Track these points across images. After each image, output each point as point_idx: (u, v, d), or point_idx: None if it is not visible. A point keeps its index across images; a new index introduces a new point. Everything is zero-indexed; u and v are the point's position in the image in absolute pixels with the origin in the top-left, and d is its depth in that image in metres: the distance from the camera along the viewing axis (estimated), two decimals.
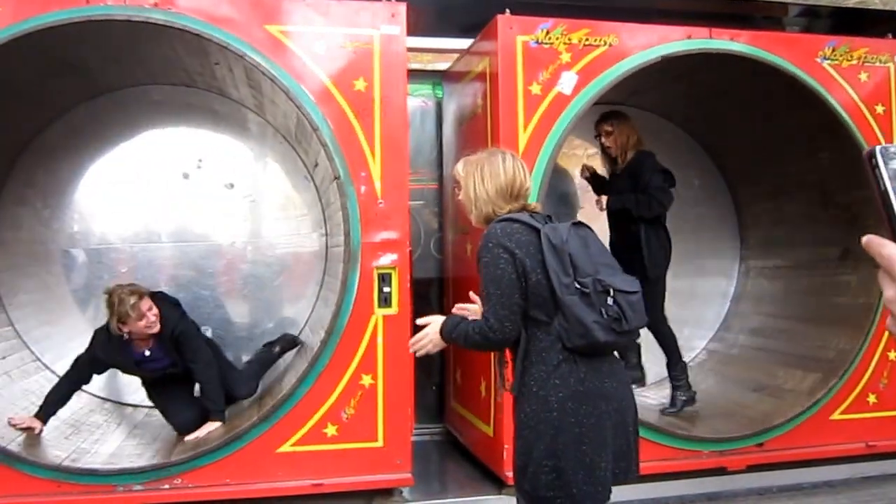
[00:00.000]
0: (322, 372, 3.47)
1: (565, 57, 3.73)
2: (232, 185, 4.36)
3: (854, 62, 3.96)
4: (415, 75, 4.31)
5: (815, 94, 3.87)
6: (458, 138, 4.52)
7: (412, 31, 3.67)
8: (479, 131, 3.97)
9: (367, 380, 3.51)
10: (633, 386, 4.04)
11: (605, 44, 3.77)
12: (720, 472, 3.83)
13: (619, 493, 3.66)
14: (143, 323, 3.52)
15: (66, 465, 3.29)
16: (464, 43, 4.33)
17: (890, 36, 4.09)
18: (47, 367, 4.09)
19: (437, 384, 4.81)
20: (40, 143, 4.15)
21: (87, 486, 3.31)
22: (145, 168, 4.26)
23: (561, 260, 2.01)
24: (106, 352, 3.61)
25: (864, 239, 0.82)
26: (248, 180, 4.40)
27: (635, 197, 3.94)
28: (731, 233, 5.03)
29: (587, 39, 3.76)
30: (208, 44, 3.40)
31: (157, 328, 3.59)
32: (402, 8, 3.58)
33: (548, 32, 3.73)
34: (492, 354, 2.48)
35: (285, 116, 3.86)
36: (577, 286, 2.00)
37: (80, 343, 3.83)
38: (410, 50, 3.77)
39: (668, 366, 4.22)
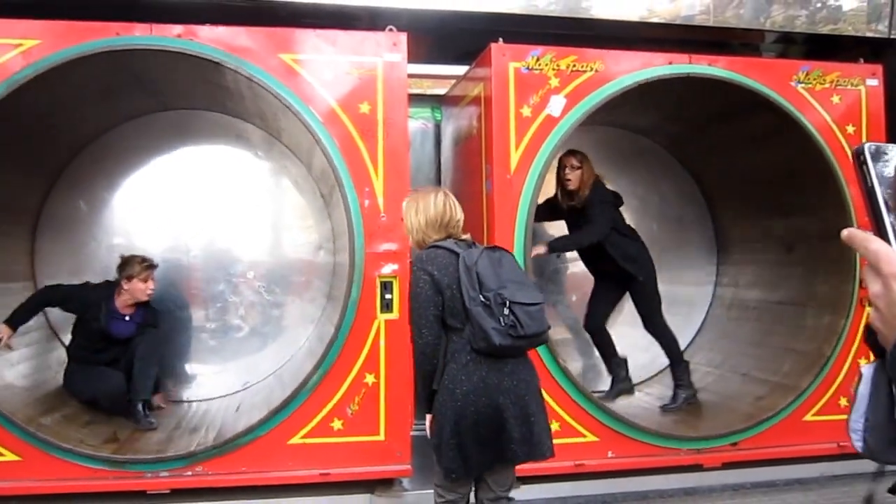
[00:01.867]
0: (329, 370, 3.77)
1: (554, 82, 4.01)
2: (251, 203, 4.71)
3: (827, 85, 4.20)
4: (415, 99, 4.60)
5: (788, 115, 4.13)
6: (456, 158, 4.80)
7: (413, 58, 3.94)
8: (474, 151, 4.26)
9: (370, 378, 3.81)
10: (623, 396, 4.37)
11: (591, 69, 4.04)
12: (697, 468, 4.09)
13: (605, 486, 3.98)
14: (142, 286, 4.11)
15: (100, 452, 3.63)
16: (460, 69, 4.61)
17: (861, 61, 4.30)
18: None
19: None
20: (80, 160, 4.51)
21: (118, 472, 3.64)
22: (173, 186, 4.62)
23: (470, 278, 2.48)
24: (95, 293, 4.09)
25: (846, 233, 0.81)
26: (266, 198, 4.75)
27: (573, 235, 4.32)
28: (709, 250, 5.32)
29: (574, 65, 4.03)
30: (228, 71, 3.75)
31: (145, 298, 4.15)
32: (404, 37, 3.87)
33: (538, 59, 4.01)
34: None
35: (298, 140, 4.19)
36: (482, 299, 2.47)
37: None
38: (411, 76, 4.03)
39: (671, 365, 4.51)
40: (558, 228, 4.67)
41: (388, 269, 3.82)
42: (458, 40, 4.40)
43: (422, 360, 2.59)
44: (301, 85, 3.79)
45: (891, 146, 0.83)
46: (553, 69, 4.00)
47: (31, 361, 4.17)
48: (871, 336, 0.84)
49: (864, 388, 2.12)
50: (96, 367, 4.13)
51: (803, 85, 4.16)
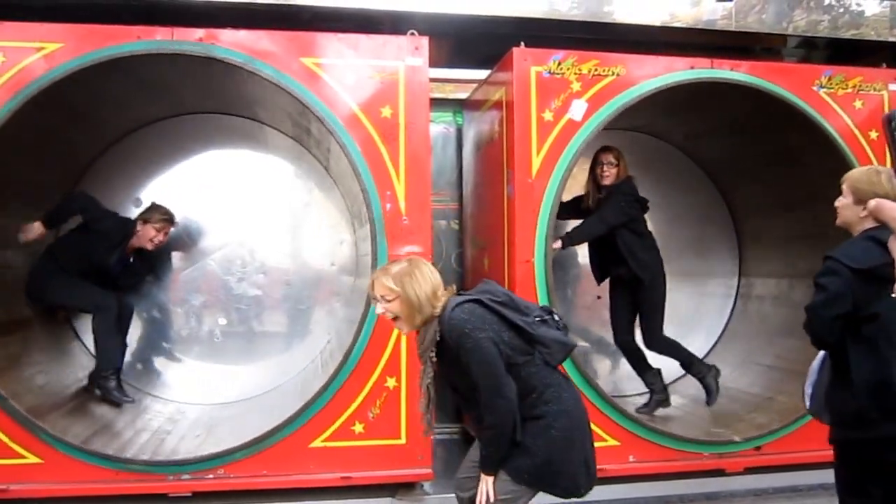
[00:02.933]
0: (350, 374, 3.75)
1: (576, 86, 3.99)
2: (274, 207, 4.70)
3: (849, 90, 4.16)
4: (437, 104, 4.58)
5: (810, 119, 4.10)
6: (477, 162, 4.77)
7: (435, 63, 3.93)
8: (496, 155, 4.23)
9: (391, 382, 3.79)
10: (662, 407, 4.32)
11: (613, 74, 4.01)
12: (719, 473, 4.05)
13: (626, 490, 3.95)
14: (152, 235, 4.12)
15: (123, 455, 3.62)
16: (482, 74, 4.58)
17: (884, 66, 4.26)
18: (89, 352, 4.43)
19: None
20: (102, 163, 4.48)
21: (141, 475, 3.61)
22: (194, 191, 4.60)
23: (514, 306, 2.46)
24: (122, 228, 4.07)
25: (873, 203, 0.82)
26: (288, 202, 4.72)
27: (585, 223, 4.22)
28: (731, 253, 5.28)
29: (596, 70, 4.01)
30: (250, 75, 3.73)
31: (149, 247, 4.17)
32: (425, 41, 3.85)
33: (559, 63, 3.99)
34: (422, 399, 2.64)
35: (318, 143, 4.18)
36: (537, 318, 2.47)
37: (135, 347, 4.31)
38: (433, 80, 4.03)
39: (688, 368, 4.43)
40: None
41: None
42: (480, 45, 4.39)
43: (507, 419, 2.38)
44: (323, 89, 3.77)
45: None
46: (575, 73, 3.97)
47: (53, 363, 4.16)
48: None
49: (815, 364, 2.68)
50: (84, 281, 4.05)
51: (826, 90, 4.13)
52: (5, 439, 3.57)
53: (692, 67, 4.05)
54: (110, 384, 4.02)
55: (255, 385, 4.57)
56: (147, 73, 3.84)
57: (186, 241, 4.68)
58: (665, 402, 4.38)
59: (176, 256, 4.70)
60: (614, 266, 4.28)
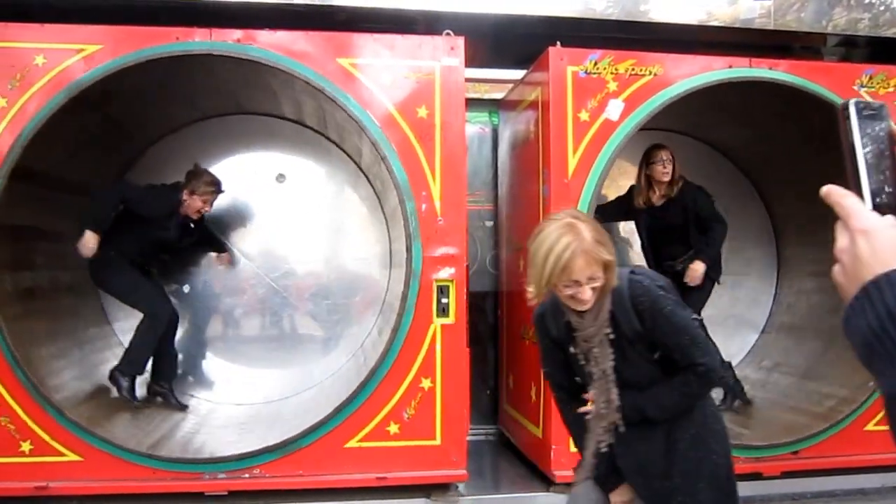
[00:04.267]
0: (385, 375, 3.70)
1: (612, 86, 3.92)
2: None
3: (891, 89, 4.03)
4: (473, 104, 4.51)
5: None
6: (513, 162, 4.69)
7: (470, 63, 3.86)
8: (531, 156, 4.17)
9: (426, 383, 3.75)
10: (739, 401, 4.26)
11: (650, 73, 3.94)
12: (756, 476, 3.97)
13: None
14: (198, 205, 4.03)
15: (160, 453, 3.62)
16: (517, 74, 4.51)
17: None
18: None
19: (491, 388, 5.00)
20: (141, 164, 4.49)
21: (177, 473, 3.59)
22: (229, 192, 4.50)
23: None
24: (166, 201, 3.98)
25: (825, 189, 0.80)
26: (323, 203, 4.68)
27: (711, 238, 4.19)
28: (769, 251, 5.18)
29: (633, 69, 3.93)
30: (287, 76, 3.71)
31: (194, 216, 4.09)
32: (461, 42, 3.79)
33: (596, 63, 3.92)
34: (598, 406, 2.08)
35: (356, 144, 4.15)
36: None
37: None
38: (468, 80, 3.97)
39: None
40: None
41: (445, 273, 3.75)
42: (516, 44, 4.32)
43: (716, 373, 2.15)
44: (359, 89, 3.73)
45: (878, 103, 0.80)
46: (611, 73, 3.91)
47: (89, 360, 4.17)
48: None
49: None
50: (148, 282, 4.09)
51: (866, 89, 4.02)
52: (46, 437, 3.57)
53: (730, 66, 3.96)
54: (123, 383, 3.98)
55: (290, 385, 4.54)
56: (185, 74, 3.83)
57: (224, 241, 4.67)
58: (742, 393, 4.30)
59: (212, 256, 4.67)
60: (670, 262, 4.22)
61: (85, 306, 4.34)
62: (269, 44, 3.71)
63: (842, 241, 0.79)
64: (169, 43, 3.66)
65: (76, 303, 4.25)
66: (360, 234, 4.69)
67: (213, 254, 4.58)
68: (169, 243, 4.14)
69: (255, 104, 4.40)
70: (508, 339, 4.73)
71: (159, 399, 4.13)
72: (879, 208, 0.78)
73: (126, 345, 4.23)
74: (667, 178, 4.17)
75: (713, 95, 3.96)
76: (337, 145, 4.57)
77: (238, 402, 4.45)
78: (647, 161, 4.21)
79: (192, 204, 4.03)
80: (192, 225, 4.18)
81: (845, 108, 0.79)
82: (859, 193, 0.78)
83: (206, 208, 4.09)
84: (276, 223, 4.69)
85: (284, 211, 4.66)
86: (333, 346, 4.67)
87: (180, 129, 4.51)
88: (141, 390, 4.15)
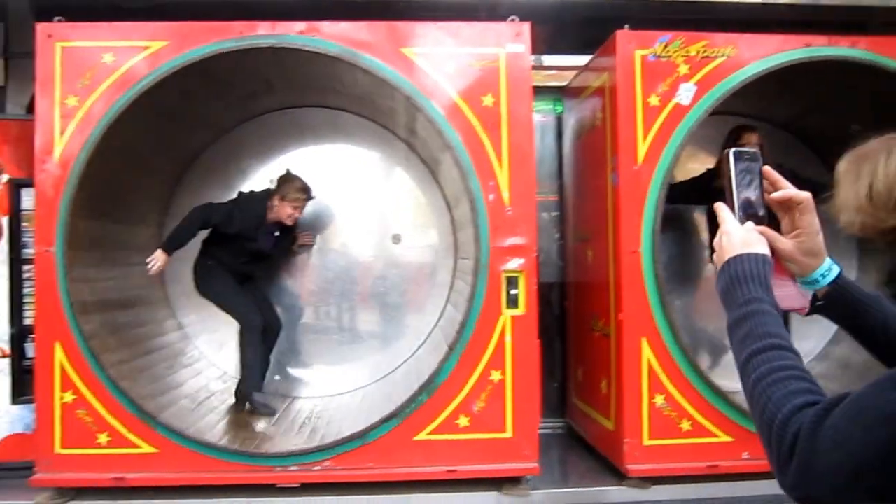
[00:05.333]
0: (455, 367, 3.65)
1: (683, 69, 3.76)
2: (369, 201, 4.62)
3: None
4: (535, 92, 4.32)
5: None
6: (578, 150, 4.56)
7: (532, 50, 3.73)
8: (598, 143, 4.04)
9: (496, 375, 3.67)
10: None
11: (723, 55, 3.77)
12: None
13: (740, 488, 3.74)
14: (288, 211, 4.00)
15: (232, 446, 3.62)
16: (580, 60, 4.39)
17: None
18: (214, 365, 4.51)
19: (559, 382, 4.91)
20: (204, 159, 4.50)
21: (250, 466, 3.59)
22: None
23: None
24: (250, 211, 3.98)
25: (716, 204, 1.23)
26: (384, 195, 4.63)
27: None
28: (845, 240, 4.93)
29: (705, 51, 3.77)
30: (351, 67, 3.66)
31: (287, 223, 4.07)
32: (526, 27, 3.68)
33: (666, 46, 3.77)
34: None
35: (423, 136, 4.09)
36: None
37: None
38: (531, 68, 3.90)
39: None
40: None
41: (514, 263, 3.66)
42: (578, 30, 4.19)
43: None
44: (423, 79, 3.66)
45: (753, 151, 1.24)
46: (682, 56, 3.75)
47: (166, 351, 4.21)
48: None
49: None
50: (242, 293, 4.11)
51: None
52: (123, 430, 3.61)
53: (807, 45, 3.77)
54: (256, 398, 4.02)
55: (355, 379, 4.52)
56: (250, 67, 3.81)
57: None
58: None
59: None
60: None
61: (155, 315, 4.38)
62: (333, 35, 3.66)
63: (717, 236, 1.21)
64: (233, 37, 3.65)
65: (147, 311, 4.29)
66: (421, 226, 4.62)
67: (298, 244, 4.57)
68: (262, 253, 4.13)
69: (317, 96, 4.36)
70: (576, 331, 4.62)
71: (247, 406, 4.13)
72: (745, 218, 1.20)
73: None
74: None
75: (789, 77, 3.77)
76: (400, 137, 4.50)
77: (306, 396, 4.45)
78: (733, 142, 4.01)
79: (283, 210, 4.00)
80: (279, 232, 4.15)
81: (727, 155, 1.22)
82: (732, 209, 1.21)
83: (297, 214, 4.05)
84: (339, 217, 4.65)
85: (347, 204, 4.62)
86: (398, 339, 4.60)
87: (242, 123, 4.50)
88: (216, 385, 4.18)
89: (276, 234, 4.14)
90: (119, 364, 3.67)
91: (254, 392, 4.01)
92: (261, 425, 3.97)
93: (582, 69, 4.45)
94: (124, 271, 4.08)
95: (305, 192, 4.04)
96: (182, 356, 4.32)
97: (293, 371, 4.63)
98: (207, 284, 4.12)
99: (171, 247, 3.87)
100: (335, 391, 4.51)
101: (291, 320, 4.64)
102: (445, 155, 3.73)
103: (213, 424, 3.84)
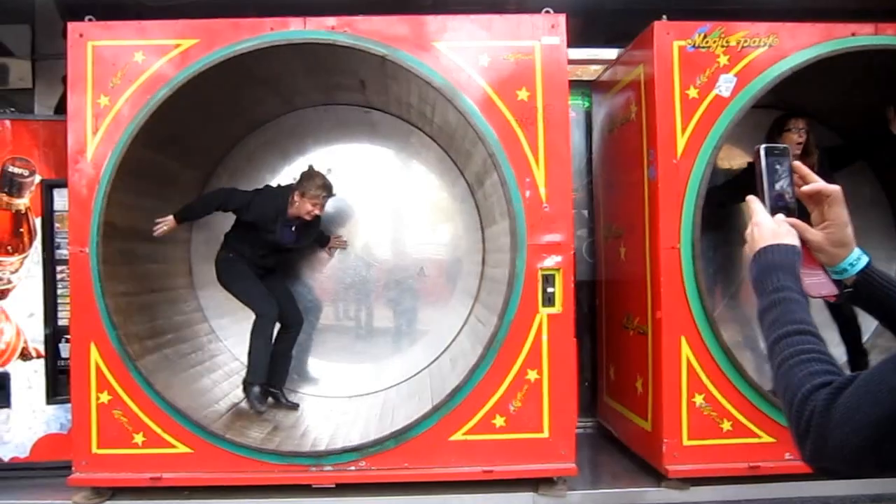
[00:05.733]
0: (490, 367, 3.58)
1: (723, 60, 3.65)
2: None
3: None
4: None
5: None
6: (610, 145, 4.47)
7: None
8: (632, 137, 3.95)
9: (532, 375, 3.61)
10: None
11: (765, 45, 3.68)
12: None
13: (783, 489, 3.65)
14: (308, 208, 3.92)
15: (266, 446, 3.60)
16: (605, 53, 4.31)
17: None
18: (237, 359, 4.44)
19: (589, 380, 4.86)
20: (232, 157, 4.47)
21: (284, 466, 3.56)
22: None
23: None
24: (272, 205, 3.93)
25: (749, 197, 1.28)
26: (407, 193, 4.56)
27: None
28: (890, 235, 4.79)
29: (746, 41, 3.68)
30: (384, 62, 3.60)
31: (307, 218, 3.98)
32: (562, 19, 3.58)
33: (705, 36, 3.67)
34: None
35: (452, 130, 4.02)
36: None
37: None
38: None
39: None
40: None
41: (551, 261, 3.59)
42: (607, 23, 4.12)
43: None
44: (456, 73, 3.60)
45: (783, 146, 1.30)
46: (722, 46, 3.65)
47: (196, 356, 4.21)
48: None
49: None
50: (259, 284, 4.07)
51: None
52: (158, 430, 3.60)
53: (853, 34, 3.65)
54: (252, 392, 3.94)
55: (382, 378, 4.48)
56: (280, 64, 3.76)
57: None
58: None
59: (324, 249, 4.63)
60: None
61: (188, 316, 4.36)
62: (365, 30, 3.60)
63: (748, 229, 1.26)
64: (264, 34, 3.61)
65: (180, 312, 4.28)
66: (449, 222, 4.56)
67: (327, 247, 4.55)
68: (282, 245, 4.09)
69: (346, 94, 4.31)
70: (609, 330, 4.54)
71: (271, 399, 4.13)
72: (775, 211, 1.25)
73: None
74: (799, 150, 3.88)
75: (834, 68, 3.64)
76: (425, 132, 4.43)
77: (337, 395, 4.42)
78: (779, 129, 3.91)
79: (302, 206, 3.96)
80: (293, 228, 4.09)
81: (758, 151, 1.29)
82: (763, 202, 1.27)
83: (317, 211, 3.99)
84: (366, 215, 4.61)
85: (372, 201, 4.58)
86: (426, 337, 4.55)
87: (271, 120, 4.46)
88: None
89: (294, 228, 4.08)
90: (153, 364, 3.65)
91: (253, 385, 3.94)
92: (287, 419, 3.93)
93: (613, 62, 4.36)
94: (158, 269, 4.08)
95: (326, 189, 3.99)
96: (214, 357, 4.30)
97: (325, 369, 4.59)
98: (227, 276, 4.09)
99: (183, 216, 3.86)
100: (365, 390, 4.47)
101: (313, 318, 4.59)
102: (477, 149, 3.66)
103: (245, 424, 3.81)
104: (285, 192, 4.01)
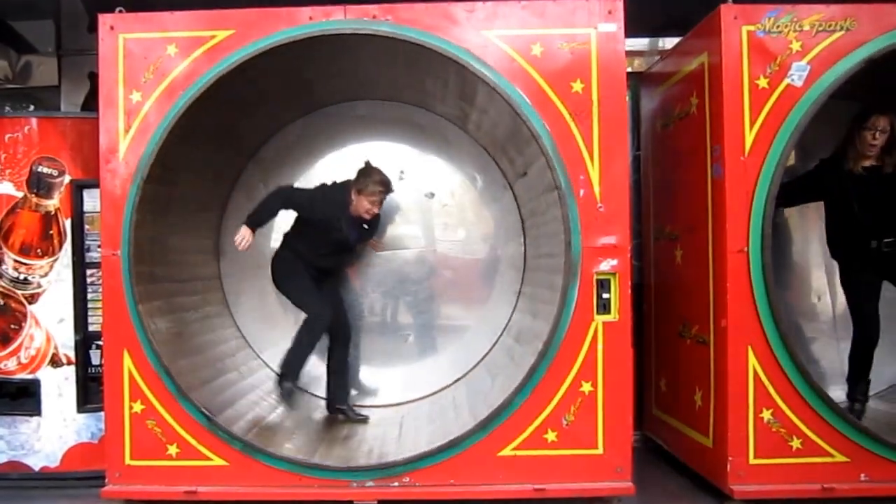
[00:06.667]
0: (542, 379, 3.34)
1: (795, 46, 3.35)
2: (432, 195, 4.33)
3: None
4: None
5: None
6: (662, 142, 4.19)
7: None
8: (693, 131, 3.64)
9: (586, 387, 3.37)
10: None
11: (842, 29, 3.37)
12: None
13: None
14: (367, 207, 3.75)
15: (307, 459, 3.41)
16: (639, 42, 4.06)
17: None
18: (266, 365, 4.28)
19: (635, 391, 4.62)
20: (262, 155, 4.27)
21: (324, 481, 3.37)
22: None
23: None
24: (333, 202, 3.76)
25: None
26: (446, 190, 4.33)
27: None
28: None
29: (821, 25, 3.39)
30: (430, 53, 3.37)
31: (368, 217, 3.82)
32: (620, 4, 3.30)
33: (775, 20, 3.37)
34: None
35: (494, 125, 3.77)
36: None
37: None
38: None
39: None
40: None
41: (606, 265, 3.34)
42: (654, 11, 3.85)
43: None
44: (507, 63, 3.36)
45: None
46: (794, 31, 3.36)
47: (228, 361, 4.05)
48: None
49: None
50: (315, 288, 3.89)
51: None
52: (193, 442, 3.44)
53: None
54: (284, 384, 3.78)
55: (421, 385, 4.27)
56: (317, 56, 3.55)
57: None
58: None
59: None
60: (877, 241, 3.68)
61: (220, 324, 4.21)
62: (408, 19, 3.37)
63: None
64: (302, 24, 3.40)
65: (211, 320, 4.12)
66: (487, 223, 4.33)
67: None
68: (345, 244, 3.90)
69: (389, 90, 4.08)
70: (660, 338, 4.27)
71: (341, 417, 3.99)
72: None
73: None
74: (872, 152, 3.60)
75: None
76: (467, 131, 4.20)
77: (380, 404, 4.23)
78: (859, 125, 3.62)
79: (360, 204, 3.76)
80: (365, 226, 3.91)
81: None
82: None
83: (375, 209, 3.80)
84: (402, 213, 4.39)
85: (406, 202, 4.36)
86: (449, 346, 4.35)
87: (307, 114, 4.26)
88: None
89: (362, 225, 3.89)
90: (188, 373, 3.49)
91: (285, 379, 3.77)
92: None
93: (668, 52, 4.08)
94: (189, 272, 3.92)
95: (383, 184, 3.78)
96: (244, 365, 4.14)
97: (363, 376, 4.40)
98: (284, 277, 3.93)
99: (253, 223, 3.70)
100: (401, 398, 4.27)
101: (364, 321, 4.40)
102: (528, 151, 3.42)
103: (280, 436, 3.64)
104: (345, 188, 3.81)
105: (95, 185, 3.57)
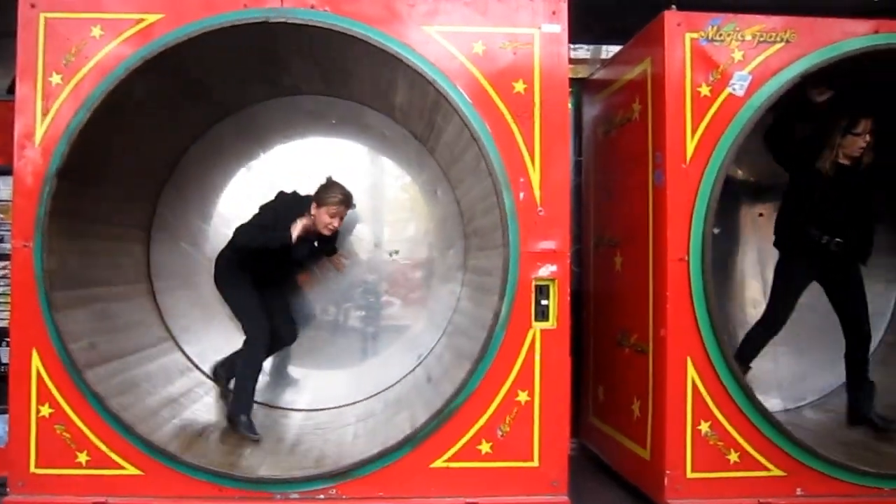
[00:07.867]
0: (477, 387, 3.21)
1: (737, 55, 3.34)
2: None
3: None
4: None
5: None
6: (606, 147, 4.12)
7: None
8: (635, 138, 3.59)
9: (523, 396, 3.25)
10: None
11: (782, 40, 3.38)
12: None
13: None
14: (326, 220, 3.60)
15: (227, 470, 3.21)
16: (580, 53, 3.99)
17: None
18: (197, 367, 4.04)
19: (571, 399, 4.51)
20: (191, 149, 4.09)
21: (246, 492, 3.17)
22: (280, 180, 3.98)
23: None
24: (290, 215, 3.59)
25: None
26: (380, 191, 4.21)
27: None
28: None
29: (762, 36, 3.38)
30: (366, 47, 3.26)
31: (325, 233, 3.66)
32: (564, 5, 3.23)
33: (718, 29, 3.36)
34: None
35: (434, 121, 3.68)
36: None
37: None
38: None
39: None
40: None
41: (546, 270, 3.24)
42: (598, 18, 3.81)
43: None
44: (447, 61, 3.27)
45: None
46: (737, 40, 3.35)
47: (153, 365, 3.81)
48: None
49: None
50: (256, 298, 3.72)
51: None
52: (104, 448, 3.20)
53: (877, 31, 3.35)
54: (242, 420, 3.55)
55: (347, 392, 4.09)
56: (253, 45, 3.40)
57: None
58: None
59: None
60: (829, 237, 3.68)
61: (144, 323, 3.96)
62: (348, 11, 3.25)
63: None
64: (236, 10, 3.25)
65: (134, 316, 3.88)
66: (423, 224, 4.20)
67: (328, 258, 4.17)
68: (289, 258, 3.71)
69: (325, 83, 3.94)
70: (598, 346, 4.18)
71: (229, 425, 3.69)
72: None
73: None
74: (859, 154, 3.62)
75: (858, 68, 3.35)
76: (408, 129, 4.09)
77: (299, 409, 4.04)
78: (849, 129, 3.59)
79: (319, 218, 3.59)
80: (316, 243, 3.76)
81: None
82: None
83: (336, 224, 3.63)
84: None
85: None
86: (388, 350, 4.20)
87: (246, 107, 4.08)
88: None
89: (314, 242, 3.74)
90: (102, 375, 3.26)
91: (241, 414, 3.56)
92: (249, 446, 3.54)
93: (611, 59, 4.04)
94: (110, 272, 3.69)
95: (344, 198, 3.63)
96: (170, 369, 3.91)
97: (286, 380, 4.20)
98: (226, 282, 3.75)
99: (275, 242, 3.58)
100: (331, 403, 4.08)
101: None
102: (471, 148, 3.31)
103: (203, 444, 3.43)
104: (303, 202, 3.65)
105: (9, 173, 3.33)
